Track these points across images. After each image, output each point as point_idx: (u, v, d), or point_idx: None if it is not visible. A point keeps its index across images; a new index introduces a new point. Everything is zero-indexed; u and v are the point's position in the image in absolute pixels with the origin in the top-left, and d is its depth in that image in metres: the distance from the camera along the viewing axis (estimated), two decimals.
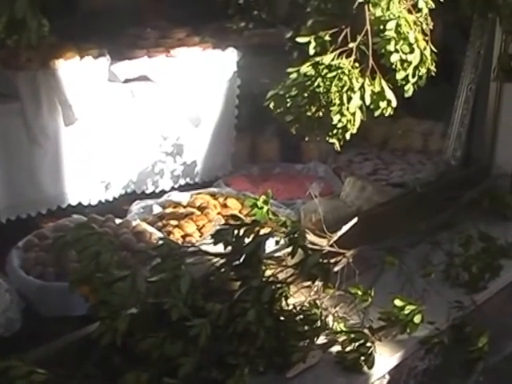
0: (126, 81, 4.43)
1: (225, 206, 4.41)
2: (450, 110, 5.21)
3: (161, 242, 3.04)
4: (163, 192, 4.64)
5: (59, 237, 2.81)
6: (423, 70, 3.24)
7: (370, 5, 3.18)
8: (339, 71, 2.98)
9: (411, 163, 5.39)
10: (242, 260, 3.06)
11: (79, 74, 4.16)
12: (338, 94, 2.98)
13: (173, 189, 4.70)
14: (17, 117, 4.05)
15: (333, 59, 3.02)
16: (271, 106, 3.15)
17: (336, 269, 3.35)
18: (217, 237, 3.11)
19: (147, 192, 4.61)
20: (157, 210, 4.37)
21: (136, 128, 4.46)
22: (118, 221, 4.08)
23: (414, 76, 3.22)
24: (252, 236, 3.08)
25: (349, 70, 3.01)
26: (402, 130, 5.73)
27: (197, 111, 4.64)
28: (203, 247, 3.18)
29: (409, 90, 3.24)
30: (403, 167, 5.32)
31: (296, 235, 3.07)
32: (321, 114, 3.08)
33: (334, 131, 3.03)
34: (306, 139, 3.29)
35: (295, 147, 5.38)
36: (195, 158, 4.75)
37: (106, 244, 2.67)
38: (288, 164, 5.30)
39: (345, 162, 5.34)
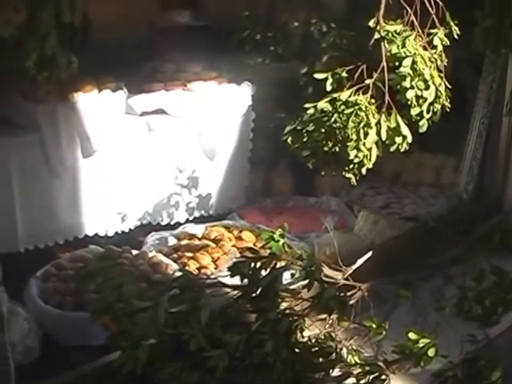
0: (143, 114, 4.52)
1: (239, 238, 4.46)
2: (462, 144, 5.26)
3: (179, 273, 3.08)
4: (178, 224, 4.70)
5: (81, 267, 2.86)
6: (438, 106, 3.28)
7: (386, 41, 3.24)
8: (356, 107, 3.04)
9: (423, 197, 5.44)
10: (258, 292, 3.10)
11: (97, 107, 4.24)
12: (354, 130, 3.03)
13: (187, 221, 4.76)
14: (36, 148, 4.13)
15: (350, 95, 3.07)
16: (288, 140, 3.19)
17: (351, 302, 3.38)
18: (233, 269, 3.16)
19: (162, 224, 4.67)
20: (172, 241, 4.43)
21: (152, 160, 4.53)
22: (134, 252, 4.14)
23: (428, 112, 3.27)
24: (269, 269, 3.12)
25: (366, 106, 3.06)
26: (414, 163, 5.78)
27: (212, 144, 4.71)
28: (220, 279, 3.22)
29: (423, 125, 3.29)
30: (416, 201, 5.36)
31: (312, 268, 3.11)
32: (337, 149, 3.12)
33: (351, 166, 3.08)
34: (322, 173, 3.33)
35: (308, 180, 5.43)
36: (210, 191, 4.82)
37: (127, 275, 2.73)
38: (301, 197, 5.36)
39: (357, 196, 5.39)
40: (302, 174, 5.12)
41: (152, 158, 4.53)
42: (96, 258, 2.90)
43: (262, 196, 5.30)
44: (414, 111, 3.22)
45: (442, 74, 3.33)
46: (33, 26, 2.46)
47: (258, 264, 3.16)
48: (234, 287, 3.13)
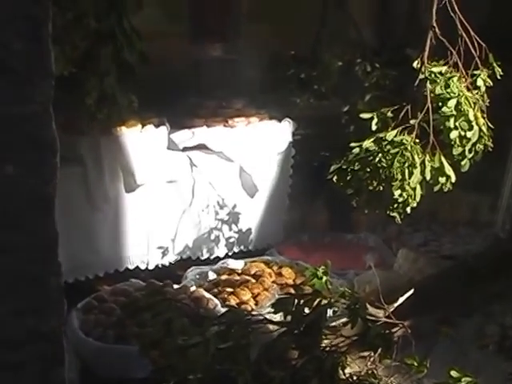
0: (185, 149, 4.58)
1: (279, 274, 4.49)
2: (499, 182, 5.27)
3: (222, 309, 3.12)
4: (217, 258, 4.75)
5: (130, 302, 2.91)
6: (481, 146, 3.31)
7: (430, 82, 3.28)
8: (402, 147, 3.08)
9: (461, 235, 5.44)
10: (302, 329, 3.12)
11: (141, 142, 4.31)
12: (399, 170, 3.07)
13: (227, 256, 4.80)
14: (79, 181, 4.21)
15: (396, 135, 3.11)
16: (334, 179, 3.23)
17: (394, 339, 3.39)
18: (277, 306, 3.19)
19: (202, 258, 4.72)
20: (212, 276, 4.47)
21: (194, 195, 4.58)
22: (175, 286, 4.18)
23: (470, 152, 3.30)
24: (313, 306, 3.14)
25: (411, 146, 3.10)
26: (450, 201, 5.78)
27: (253, 181, 4.76)
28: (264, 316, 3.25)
29: (465, 165, 3.32)
30: (453, 239, 5.37)
31: (357, 306, 3.13)
32: (382, 187, 3.15)
33: (395, 205, 3.11)
34: (366, 212, 3.37)
35: (345, 217, 5.45)
36: (249, 226, 4.87)
37: (175, 310, 2.76)
38: (338, 233, 5.38)
39: (395, 233, 5.40)
40: (340, 210, 5.16)
41: (193, 193, 4.58)
42: (147, 294, 2.93)
43: (300, 232, 5.32)
44: (457, 151, 3.25)
45: (485, 115, 3.36)
46: (93, 64, 2.53)
47: (302, 301, 3.18)
48: (280, 324, 3.15)
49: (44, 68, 2.01)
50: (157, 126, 4.46)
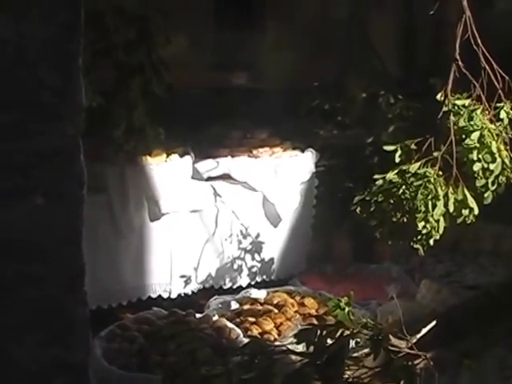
0: (209, 178, 4.61)
1: (302, 304, 4.49)
2: None
3: (244, 338, 3.13)
4: (240, 288, 4.76)
5: (154, 331, 2.93)
6: (503, 179, 3.31)
7: (453, 114, 3.29)
8: (425, 180, 3.09)
9: (484, 266, 5.42)
10: (325, 360, 3.12)
11: (166, 171, 4.35)
12: (423, 202, 3.08)
13: (249, 285, 4.81)
14: (104, 209, 4.25)
15: (419, 168, 3.12)
16: (357, 210, 3.24)
17: (417, 371, 3.38)
18: (300, 336, 3.19)
19: (225, 288, 4.73)
20: (234, 306, 4.48)
21: (217, 225, 4.61)
22: (197, 315, 4.19)
23: (493, 184, 3.30)
24: (335, 337, 3.15)
25: (434, 179, 3.11)
26: (473, 232, 5.77)
27: (276, 210, 4.78)
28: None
29: (488, 197, 3.32)
30: (476, 269, 5.35)
31: (380, 337, 3.13)
32: (405, 219, 3.16)
33: (419, 237, 3.12)
34: (389, 243, 3.38)
35: (368, 247, 5.46)
36: (272, 256, 4.88)
37: (199, 340, 2.78)
38: (361, 264, 5.38)
39: (417, 264, 5.39)
40: (362, 240, 5.17)
41: (217, 222, 4.60)
42: (170, 323, 2.95)
43: (323, 262, 5.33)
44: (480, 183, 3.26)
45: (508, 147, 3.37)
46: (122, 96, 2.57)
47: (324, 332, 3.19)
48: (303, 354, 3.16)
49: (75, 102, 2.05)
50: (182, 155, 4.51)
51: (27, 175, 2.04)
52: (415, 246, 3.18)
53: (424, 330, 3.62)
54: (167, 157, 4.42)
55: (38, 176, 2.04)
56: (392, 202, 3.15)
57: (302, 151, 4.95)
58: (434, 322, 3.68)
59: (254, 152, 4.77)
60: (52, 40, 2.01)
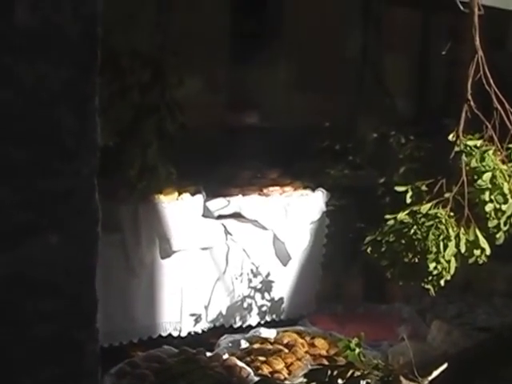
0: (220, 217, 4.64)
1: (312, 345, 4.50)
2: None
3: (254, 377, 3.14)
4: (249, 327, 4.76)
5: (164, 369, 2.94)
6: None
7: (465, 155, 3.32)
8: (436, 220, 3.11)
9: (496, 307, 5.41)
10: None
11: (177, 210, 4.38)
12: (434, 242, 3.10)
13: (259, 324, 4.82)
14: (117, 248, 4.27)
15: (430, 208, 3.15)
16: (368, 250, 3.26)
17: None
18: (310, 376, 3.20)
19: (235, 326, 4.74)
20: (244, 344, 4.49)
21: (227, 263, 4.63)
22: (208, 354, 4.20)
23: (505, 224, 3.32)
24: (346, 378, 3.16)
25: (445, 220, 3.13)
26: (486, 272, 5.75)
27: (286, 249, 4.80)
28: None
29: (500, 237, 3.34)
30: (488, 311, 5.33)
31: (390, 379, 3.14)
32: (416, 260, 3.18)
33: (430, 278, 3.14)
34: (400, 283, 3.39)
35: (379, 287, 5.45)
36: (282, 295, 4.89)
37: (209, 378, 2.79)
38: (372, 304, 5.38)
39: (428, 304, 5.38)
40: (373, 280, 5.17)
41: (227, 260, 4.63)
42: (179, 361, 2.96)
43: (333, 302, 5.33)
44: (492, 223, 3.28)
45: None
46: (136, 136, 2.61)
47: (335, 372, 3.19)
48: None
49: (90, 141, 2.09)
50: (193, 194, 4.54)
51: (42, 213, 2.08)
52: (426, 286, 3.19)
53: (435, 373, 3.62)
54: (179, 195, 4.45)
55: (53, 214, 2.08)
56: (403, 242, 3.17)
57: (313, 190, 4.98)
58: (445, 365, 3.68)
59: (265, 191, 4.81)
60: (69, 81, 2.05)
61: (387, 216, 3.27)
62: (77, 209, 2.10)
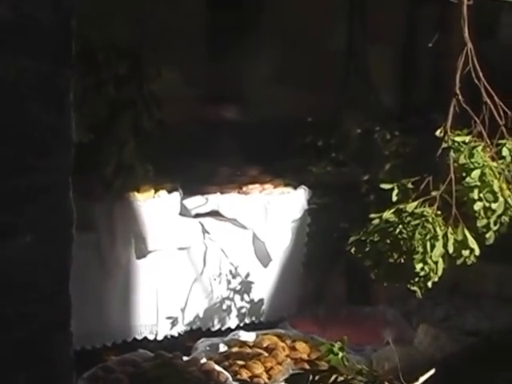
0: (197, 215, 4.65)
1: (293, 348, 4.52)
2: None
3: (237, 383, 3.16)
4: (228, 329, 4.78)
5: (139, 373, 2.95)
6: (506, 218, 3.35)
7: (453, 151, 3.34)
8: (423, 219, 3.13)
9: (485, 310, 5.42)
10: None
11: (153, 208, 4.38)
12: (421, 242, 3.11)
13: (238, 327, 4.83)
14: (92, 248, 4.27)
15: (416, 207, 3.17)
16: (352, 250, 3.28)
17: None
18: (291, 381, 3.23)
19: (213, 329, 4.75)
20: (223, 348, 4.50)
21: (205, 263, 4.64)
22: (185, 358, 4.22)
23: (495, 224, 3.34)
24: (329, 383, 3.18)
25: (432, 218, 3.15)
26: (474, 273, 5.76)
27: (266, 249, 4.82)
28: None
29: (490, 237, 3.35)
30: (477, 314, 5.35)
31: None
32: (402, 260, 3.20)
33: (416, 279, 3.16)
34: (385, 285, 3.41)
35: (363, 289, 5.47)
36: (262, 297, 4.90)
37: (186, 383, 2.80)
38: (355, 306, 5.39)
39: (414, 307, 5.39)
40: (357, 281, 5.19)
41: (205, 260, 4.64)
42: (155, 366, 2.98)
43: (315, 304, 5.34)
44: (481, 223, 3.29)
45: (511, 186, 3.40)
46: (112, 132, 2.62)
47: (317, 377, 3.22)
48: None
49: (65, 138, 2.10)
50: (170, 191, 4.54)
51: (14, 212, 2.08)
52: (412, 288, 3.21)
53: (422, 379, 3.65)
54: (155, 193, 4.45)
55: (25, 213, 2.09)
56: (388, 242, 3.19)
57: (295, 188, 5.00)
58: (432, 371, 3.71)
59: (244, 189, 4.82)
60: (43, 75, 2.06)
61: (372, 215, 3.29)
62: (51, 207, 2.10)
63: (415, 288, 3.20)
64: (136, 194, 4.29)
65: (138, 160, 2.57)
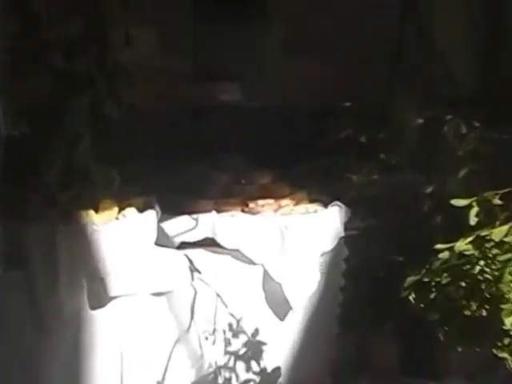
0: (183, 245, 4.63)
1: None
2: None
3: None
4: None
5: None
6: None
7: None
8: None
9: None
10: None
11: (117, 234, 4.37)
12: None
13: None
14: (22, 291, 4.27)
15: (507, 234, 3.15)
16: (410, 297, 3.27)
17: None
18: None
19: None
20: None
21: (193, 316, 4.62)
22: None
23: None
24: None
25: None
26: None
27: (284, 295, 4.80)
28: None
29: None
30: None
31: None
32: (484, 313, 3.19)
33: (506, 340, 3.14)
34: (459, 349, 3.40)
35: (425, 355, 5.45)
36: (278, 364, 4.88)
37: None
38: (414, 380, 5.38)
39: (502, 381, 5.40)
40: (416, 344, 5.18)
41: (193, 311, 4.62)
42: None
43: (356, 376, 5.33)
44: None
45: None
46: (57, 123, 2.58)
47: None
48: None
49: None
50: (142, 209, 4.52)
51: None
52: (500, 354, 3.20)
53: None
54: (119, 212, 4.44)
55: None
56: (464, 285, 3.19)
57: (325, 206, 4.98)
58: None
59: (251, 205, 4.80)
60: None
61: (439, 245, 3.28)
62: None
63: (504, 354, 3.19)
64: (92, 212, 4.28)
65: (95, 162, 2.51)
